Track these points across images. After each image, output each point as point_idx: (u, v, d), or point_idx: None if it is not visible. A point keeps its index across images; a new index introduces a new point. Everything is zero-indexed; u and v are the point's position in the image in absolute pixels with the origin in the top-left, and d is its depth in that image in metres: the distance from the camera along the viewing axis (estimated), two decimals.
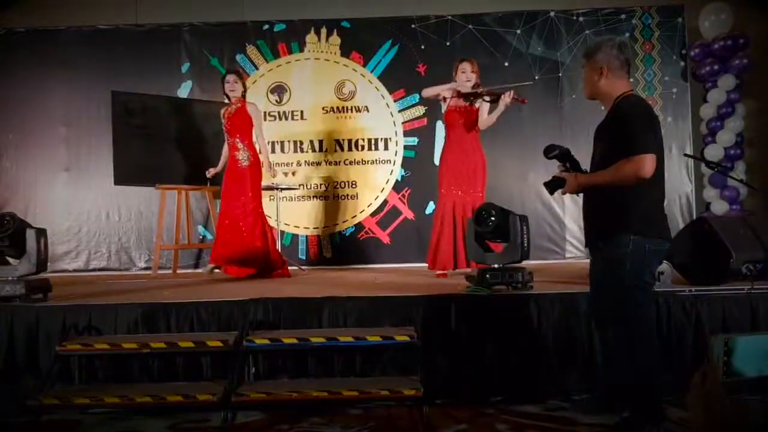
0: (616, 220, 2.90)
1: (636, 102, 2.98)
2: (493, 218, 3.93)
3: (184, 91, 7.27)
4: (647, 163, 2.77)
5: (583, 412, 3.27)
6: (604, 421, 3.10)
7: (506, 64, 7.32)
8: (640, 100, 3.03)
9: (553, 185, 3.13)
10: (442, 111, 5.62)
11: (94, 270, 7.14)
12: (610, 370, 3.15)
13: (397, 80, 7.36)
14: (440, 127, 7.13)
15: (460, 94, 5.39)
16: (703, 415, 0.99)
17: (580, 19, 7.39)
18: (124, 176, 6.06)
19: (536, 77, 7.33)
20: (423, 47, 7.35)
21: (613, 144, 2.88)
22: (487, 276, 3.89)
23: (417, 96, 7.26)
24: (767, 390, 1.01)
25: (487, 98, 5.31)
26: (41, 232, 4.03)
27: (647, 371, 2.88)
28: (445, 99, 5.48)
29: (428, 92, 5.65)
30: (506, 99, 5.18)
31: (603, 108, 3.12)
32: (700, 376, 1.01)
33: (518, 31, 7.36)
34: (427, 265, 5.51)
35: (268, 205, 7.14)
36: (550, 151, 3.20)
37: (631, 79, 7.22)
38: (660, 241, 2.95)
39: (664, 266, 3.89)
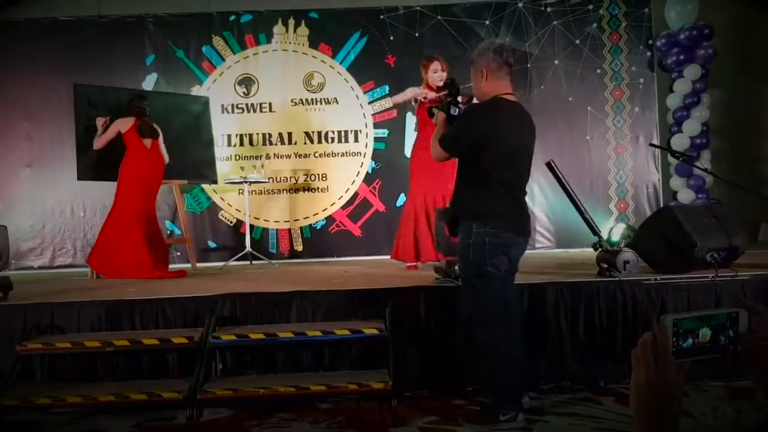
0: (463, 211, 3.07)
1: (479, 105, 3.14)
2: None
3: (149, 84, 7.15)
4: (438, 154, 3.13)
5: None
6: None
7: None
8: (485, 106, 3.08)
9: (431, 112, 3.49)
10: (415, 108, 5.57)
11: (59, 267, 7.00)
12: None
13: (367, 72, 7.32)
14: (410, 119, 7.11)
15: (436, 90, 5.33)
16: (646, 373, 0.99)
17: (548, 9, 7.42)
18: (87, 171, 5.93)
19: None
20: (392, 38, 7.31)
21: (446, 133, 3.12)
22: (456, 267, 3.89)
23: (387, 87, 7.24)
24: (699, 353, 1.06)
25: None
26: (1, 229, 3.94)
27: (490, 354, 3.06)
28: (416, 100, 5.46)
29: (398, 99, 5.61)
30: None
31: None
32: (650, 336, 1.01)
33: (487, 22, 7.36)
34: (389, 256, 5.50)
35: (237, 199, 7.12)
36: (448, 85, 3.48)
37: (599, 70, 7.39)
38: (504, 233, 2.97)
39: (630, 254, 3.94)
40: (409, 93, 5.48)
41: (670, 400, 0.97)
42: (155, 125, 5.66)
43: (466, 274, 3.09)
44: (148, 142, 5.55)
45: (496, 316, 3.03)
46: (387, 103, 7.28)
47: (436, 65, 5.37)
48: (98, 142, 5.56)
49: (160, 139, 5.69)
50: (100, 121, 5.58)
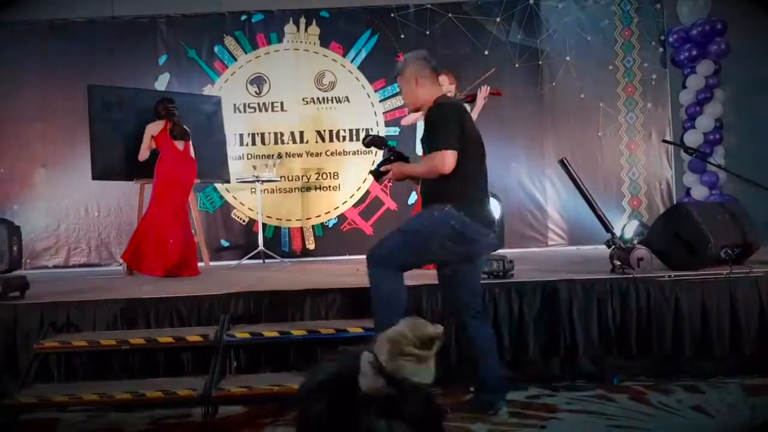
0: (438, 191, 3.10)
1: (441, 103, 3.17)
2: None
3: (161, 84, 7.20)
4: (447, 158, 2.99)
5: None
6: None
7: (486, 52, 7.31)
8: (445, 102, 3.20)
9: (378, 173, 3.30)
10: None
11: (74, 266, 7.07)
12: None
13: (378, 70, 7.32)
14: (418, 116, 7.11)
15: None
16: None
17: (560, 6, 7.39)
18: (102, 171, 5.97)
19: (516, 65, 7.34)
20: (402, 36, 7.32)
21: (431, 147, 3.10)
22: None
23: (397, 85, 7.22)
24: None
25: (466, 101, 5.27)
26: (15, 230, 3.98)
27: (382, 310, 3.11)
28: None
29: (408, 121, 5.63)
30: (484, 93, 5.16)
31: (425, 117, 3.20)
32: None
33: (498, 19, 7.35)
34: None
35: (249, 198, 7.15)
36: (366, 140, 3.45)
37: (611, 66, 7.35)
38: (468, 224, 3.03)
39: (643, 251, 3.92)
40: (417, 116, 5.50)
41: None
42: (186, 126, 5.69)
43: (408, 228, 3.16)
44: (180, 144, 5.59)
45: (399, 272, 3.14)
46: (398, 101, 7.29)
47: (442, 79, 5.34)
48: (141, 154, 5.64)
49: (190, 140, 5.73)
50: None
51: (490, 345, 3.18)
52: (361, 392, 0.95)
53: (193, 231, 6.50)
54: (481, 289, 3.30)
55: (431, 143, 3.10)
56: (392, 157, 3.30)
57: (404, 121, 5.76)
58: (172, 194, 5.49)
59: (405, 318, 1.04)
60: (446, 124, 3.08)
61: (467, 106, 5.28)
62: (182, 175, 5.58)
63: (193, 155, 5.76)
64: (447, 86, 5.33)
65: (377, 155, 7.27)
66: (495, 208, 3.94)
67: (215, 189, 7.22)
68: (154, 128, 5.59)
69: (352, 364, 0.98)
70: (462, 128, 3.07)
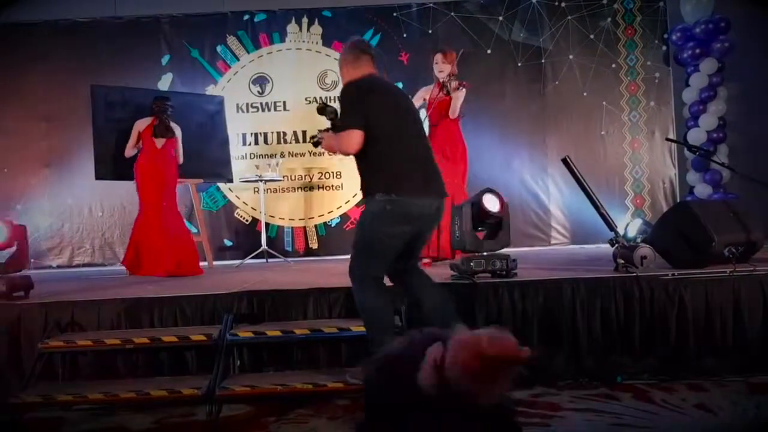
0: (365, 182, 3.19)
1: (349, 83, 3.26)
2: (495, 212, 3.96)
3: (164, 84, 7.20)
4: (351, 137, 3.08)
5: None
6: None
7: (489, 51, 7.31)
8: (354, 82, 3.25)
9: (315, 141, 3.47)
10: (425, 111, 5.57)
11: (78, 266, 7.08)
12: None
13: (380, 69, 7.29)
14: (422, 115, 7.11)
15: (440, 87, 5.35)
16: None
17: (562, 4, 7.38)
18: (105, 171, 5.99)
19: (519, 64, 7.33)
20: (405, 35, 7.32)
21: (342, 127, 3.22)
22: (472, 264, 3.89)
23: (400, 85, 7.22)
24: None
25: (447, 87, 5.30)
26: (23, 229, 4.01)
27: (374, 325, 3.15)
28: (424, 99, 5.48)
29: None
30: (452, 89, 5.22)
31: None
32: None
33: (500, 18, 7.34)
34: None
35: (252, 198, 7.16)
36: (318, 107, 3.52)
37: (614, 65, 7.34)
38: (405, 200, 3.06)
39: (647, 250, 3.92)
40: (416, 99, 5.53)
41: None
42: (173, 125, 5.70)
43: (358, 237, 3.19)
44: (160, 141, 5.60)
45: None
46: None
47: (436, 57, 5.38)
48: (126, 150, 5.67)
49: (177, 139, 5.73)
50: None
51: (444, 306, 3.24)
52: (418, 383, 0.88)
53: (195, 230, 6.53)
54: None
55: (342, 118, 3.21)
56: (331, 129, 3.37)
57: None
58: (151, 193, 5.51)
59: (491, 327, 0.94)
60: (351, 104, 3.15)
61: (459, 96, 5.28)
62: (158, 172, 5.55)
63: (179, 154, 5.75)
64: (441, 65, 5.33)
65: None
66: (493, 202, 3.96)
67: (218, 189, 7.23)
68: (141, 124, 5.63)
69: (418, 353, 0.91)
70: (368, 107, 3.10)
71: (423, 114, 5.61)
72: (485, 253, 3.96)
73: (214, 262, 6.58)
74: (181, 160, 5.81)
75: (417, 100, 5.57)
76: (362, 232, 3.17)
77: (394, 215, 3.04)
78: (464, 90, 5.27)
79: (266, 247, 6.52)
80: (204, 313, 3.73)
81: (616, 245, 4.13)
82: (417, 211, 3.09)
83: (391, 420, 0.90)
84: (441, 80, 5.31)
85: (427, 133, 5.44)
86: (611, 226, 4.22)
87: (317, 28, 7.37)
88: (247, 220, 7.25)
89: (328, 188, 7.32)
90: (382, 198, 3.04)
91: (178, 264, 5.33)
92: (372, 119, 3.08)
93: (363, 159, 3.16)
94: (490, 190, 4.00)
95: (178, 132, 5.77)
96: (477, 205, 3.96)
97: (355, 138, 3.07)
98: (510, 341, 0.91)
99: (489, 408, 0.89)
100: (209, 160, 6.53)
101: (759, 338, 3.64)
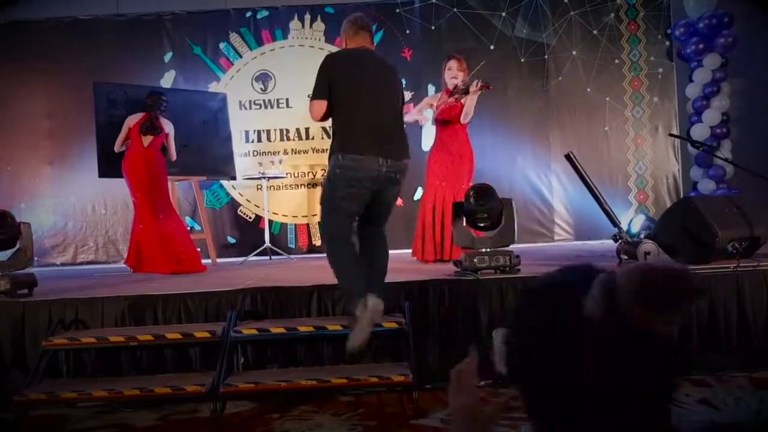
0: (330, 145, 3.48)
1: (324, 58, 3.55)
2: (486, 199, 3.95)
3: (167, 81, 7.21)
4: (313, 107, 3.45)
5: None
6: None
7: (492, 47, 7.30)
8: (327, 56, 3.61)
9: None
10: (433, 116, 5.57)
11: (82, 264, 7.10)
12: None
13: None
14: (427, 113, 7.10)
15: (449, 93, 5.34)
16: (451, 397, 0.98)
17: (565, 0, 7.36)
18: (108, 169, 5.99)
19: (522, 60, 7.32)
20: (408, 32, 7.31)
21: None
22: (475, 260, 3.90)
23: (403, 81, 7.19)
24: None
25: (463, 91, 5.25)
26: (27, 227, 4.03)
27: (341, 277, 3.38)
28: (431, 105, 5.48)
29: (410, 117, 5.60)
30: (475, 87, 5.14)
31: None
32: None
33: (503, 14, 7.33)
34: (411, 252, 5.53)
35: (256, 195, 7.16)
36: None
37: (617, 61, 7.32)
38: (350, 161, 3.30)
39: (651, 246, 3.91)
40: (421, 107, 5.58)
41: (477, 423, 0.96)
42: (166, 121, 5.67)
43: (322, 199, 3.46)
44: (146, 139, 5.56)
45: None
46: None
47: (451, 63, 5.36)
48: (116, 145, 5.67)
49: (168, 135, 5.69)
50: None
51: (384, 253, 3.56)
52: (583, 315, 0.83)
53: (198, 227, 6.54)
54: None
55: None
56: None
57: (408, 118, 5.75)
58: (140, 190, 5.49)
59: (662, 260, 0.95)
60: (318, 75, 3.45)
61: (470, 100, 5.28)
62: (142, 171, 5.51)
63: (167, 152, 5.74)
64: (455, 71, 5.33)
65: None
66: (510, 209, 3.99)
67: (222, 186, 7.24)
68: (132, 120, 5.61)
69: (579, 279, 0.88)
70: (331, 78, 3.39)
71: (430, 120, 5.67)
72: (489, 249, 3.96)
73: (218, 260, 6.59)
74: (173, 157, 5.79)
75: (423, 106, 5.60)
76: (322, 192, 3.49)
77: (344, 177, 3.31)
78: (476, 94, 5.19)
79: (270, 244, 6.52)
80: (208, 310, 3.74)
81: (620, 241, 4.12)
82: (364, 174, 3.31)
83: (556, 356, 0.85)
84: (454, 86, 5.29)
85: (433, 135, 5.52)
86: (615, 222, 4.22)
87: (320, 25, 7.37)
88: (250, 218, 7.26)
89: None
90: (334, 161, 3.34)
91: (179, 261, 5.34)
92: (334, 89, 3.38)
93: (332, 125, 3.49)
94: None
95: (169, 129, 5.73)
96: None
97: (315, 107, 3.43)
98: (685, 269, 0.87)
99: (661, 340, 0.85)
100: (212, 157, 6.54)
101: (762, 334, 3.64)
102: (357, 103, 3.38)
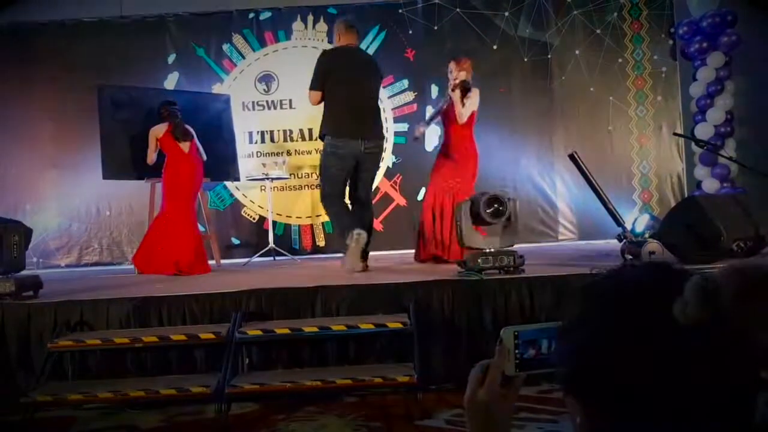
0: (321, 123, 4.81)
1: (321, 53, 4.87)
2: (503, 208, 3.97)
3: (170, 83, 7.22)
4: (310, 96, 4.75)
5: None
6: None
7: (495, 47, 7.29)
8: (323, 52, 4.90)
9: None
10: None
11: (86, 265, 7.11)
12: None
13: (386, 66, 7.26)
14: (430, 113, 7.11)
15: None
16: (471, 392, 0.96)
17: None
18: (112, 171, 6.01)
19: (525, 60, 7.31)
20: (411, 32, 7.31)
21: None
22: (479, 260, 3.90)
23: (406, 82, 7.25)
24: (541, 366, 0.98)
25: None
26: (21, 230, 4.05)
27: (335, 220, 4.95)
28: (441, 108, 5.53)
29: (420, 130, 5.71)
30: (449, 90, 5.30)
31: None
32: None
33: (506, 14, 7.32)
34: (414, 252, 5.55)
35: (259, 196, 7.17)
36: None
37: (620, 60, 7.31)
38: (337, 142, 4.65)
39: (655, 245, 3.91)
40: (432, 117, 5.80)
41: (493, 420, 0.95)
42: (188, 126, 5.72)
43: (319, 171, 5.00)
44: (185, 145, 5.63)
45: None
46: (407, 97, 7.29)
47: (450, 66, 5.37)
48: (148, 158, 5.70)
49: (195, 139, 5.76)
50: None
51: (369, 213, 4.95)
52: (678, 322, 0.75)
53: (203, 229, 6.55)
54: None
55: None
56: None
57: (416, 133, 5.80)
58: (180, 196, 5.53)
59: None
60: (315, 68, 4.68)
61: (457, 99, 5.27)
62: (189, 176, 5.61)
63: (201, 154, 5.80)
64: (455, 73, 5.31)
65: (386, 152, 7.30)
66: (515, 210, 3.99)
67: (225, 187, 7.24)
68: (157, 131, 5.63)
69: (656, 279, 0.80)
70: (323, 71, 4.61)
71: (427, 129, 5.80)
72: (492, 249, 3.96)
73: (222, 261, 6.59)
74: (204, 158, 5.88)
75: (423, 127, 5.72)
76: (320, 163, 4.88)
77: (335, 155, 4.63)
78: (458, 95, 5.19)
79: (274, 245, 6.52)
80: (212, 312, 3.74)
81: (624, 241, 4.12)
82: (346, 150, 4.61)
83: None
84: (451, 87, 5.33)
85: (439, 136, 5.60)
86: (619, 222, 4.21)
87: (323, 26, 7.37)
88: (254, 219, 7.27)
89: None
90: (327, 142, 4.64)
91: (188, 263, 5.36)
92: (326, 80, 4.58)
93: (323, 108, 4.70)
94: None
95: (193, 132, 5.80)
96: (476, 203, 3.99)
97: (312, 97, 4.75)
98: None
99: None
100: (216, 158, 6.53)
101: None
102: (342, 92, 4.56)
